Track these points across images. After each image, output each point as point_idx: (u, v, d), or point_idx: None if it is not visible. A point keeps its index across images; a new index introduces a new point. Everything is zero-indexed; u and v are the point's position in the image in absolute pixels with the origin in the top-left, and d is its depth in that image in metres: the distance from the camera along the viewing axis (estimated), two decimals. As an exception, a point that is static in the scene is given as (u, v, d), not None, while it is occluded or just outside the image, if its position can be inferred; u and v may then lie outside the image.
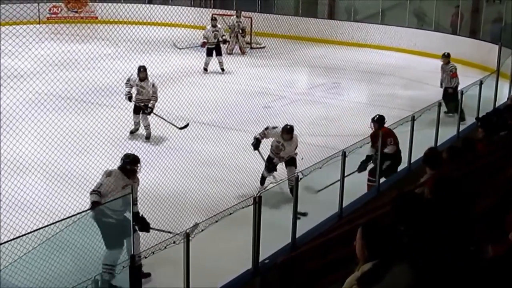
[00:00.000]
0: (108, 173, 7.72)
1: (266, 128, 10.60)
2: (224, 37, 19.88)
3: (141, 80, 13.51)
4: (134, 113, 13.68)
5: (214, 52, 19.11)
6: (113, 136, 12.66)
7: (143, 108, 13.41)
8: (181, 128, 13.01)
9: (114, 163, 11.04)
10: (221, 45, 19.65)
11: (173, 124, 13.07)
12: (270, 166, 10.48)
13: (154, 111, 13.56)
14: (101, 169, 10.63)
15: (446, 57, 15.20)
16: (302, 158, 10.72)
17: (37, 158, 11.21)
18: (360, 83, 18.65)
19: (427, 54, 22.38)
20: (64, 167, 11.01)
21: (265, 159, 10.60)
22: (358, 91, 17.80)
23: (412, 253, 4.27)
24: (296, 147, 10.42)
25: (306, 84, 18.84)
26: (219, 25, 19.85)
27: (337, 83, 18.36)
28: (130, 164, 7.84)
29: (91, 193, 7.51)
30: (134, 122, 13.77)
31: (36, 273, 6.11)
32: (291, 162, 10.40)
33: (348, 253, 4.64)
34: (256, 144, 10.58)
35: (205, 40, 19.16)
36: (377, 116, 10.18)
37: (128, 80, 13.69)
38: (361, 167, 10.01)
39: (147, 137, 13.37)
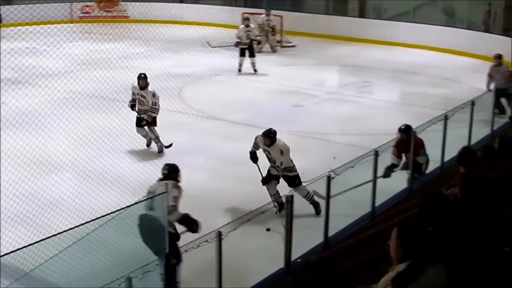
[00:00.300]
0: (176, 185, 7.39)
1: (256, 137, 9.90)
2: (257, 37, 19.51)
3: (141, 88, 12.07)
4: (137, 126, 12.31)
5: (247, 53, 18.82)
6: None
7: (142, 118, 12.19)
8: (165, 147, 12.10)
9: (146, 161, 11.22)
10: (254, 46, 19.25)
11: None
12: (266, 177, 9.52)
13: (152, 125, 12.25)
14: (134, 167, 10.83)
15: (498, 58, 14.84)
16: (334, 157, 10.70)
17: (71, 156, 11.33)
18: (391, 81, 18.56)
19: (459, 52, 22.17)
20: (98, 164, 11.11)
21: (262, 173, 9.66)
22: (389, 89, 17.68)
23: (446, 253, 4.25)
24: (281, 153, 9.37)
25: (337, 83, 18.76)
26: (252, 25, 19.58)
27: (368, 82, 18.28)
28: (175, 173, 7.61)
29: (174, 211, 7.12)
30: (143, 136, 12.41)
31: (71, 270, 6.19)
32: (291, 183, 9.53)
33: (381, 253, 4.63)
34: (253, 158, 9.78)
35: (238, 40, 18.96)
36: (404, 126, 9.88)
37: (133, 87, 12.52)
38: (386, 174, 9.77)
39: (160, 151, 12.17)
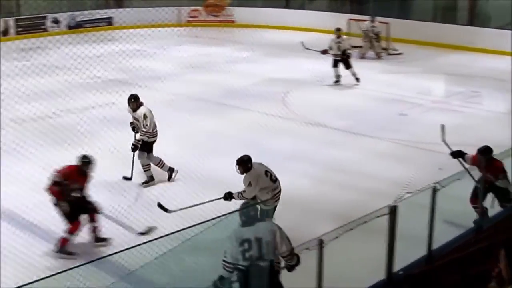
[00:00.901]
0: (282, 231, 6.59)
1: None
2: (348, 51, 18.26)
3: (133, 111, 10.89)
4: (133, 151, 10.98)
5: (341, 65, 18.14)
6: (248, 137, 12.90)
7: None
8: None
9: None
10: (350, 56, 18.32)
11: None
12: None
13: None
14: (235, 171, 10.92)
15: None
16: (440, 169, 10.46)
17: (176, 157, 11.55)
18: (500, 92, 17.87)
19: None
20: (202, 167, 11.26)
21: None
22: (498, 100, 17.06)
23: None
24: (249, 185, 8.47)
25: (443, 92, 18.30)
26: (344, 37, 18.81)
27: (476, 92, 17.73)
28: None
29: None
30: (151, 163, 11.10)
31: (174, 271, 6.31)
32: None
33: (488, 270, 4.50)
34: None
35: (326, 49, 18.38)
36: (484, 148, 9.39)
37: None
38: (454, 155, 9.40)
39: (145, 182, 10.87)
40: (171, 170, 11.05)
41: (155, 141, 10.96)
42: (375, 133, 13.39)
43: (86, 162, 8.53)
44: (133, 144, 10.73)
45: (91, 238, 8.58)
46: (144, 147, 10.79)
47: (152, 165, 10.96)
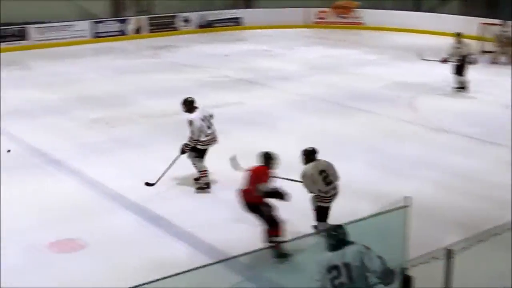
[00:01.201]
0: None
1: None
2: (470, 57, 17.20)
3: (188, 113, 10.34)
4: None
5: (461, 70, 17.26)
6: (372, 141, 12.73)
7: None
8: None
9: (372, 169, 11.14)
10: (471, 62, 17.22)
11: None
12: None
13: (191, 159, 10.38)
14: (359, 175, 10.77)
15: None
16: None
17: (298, 158, 11.54)
18: None
19: None
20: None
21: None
22: None
23: None
24: (302, 177, 8.40)
25: None
26: (465, 41, 17.70)
27: None
28: None
29: None
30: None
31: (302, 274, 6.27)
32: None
33: None
34: None
35: (446, 57, 17.52)
36: None
37: None
38: None
39: (199, 188, 10.34)
40: (207, 185, 10.33)
41: (207, 149, 10.32)
42: (508, 142, 12.85)
43: (269, 158, 8.33)
44: (181, 149, 10.19)
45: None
46: (195, 152, 10.26)
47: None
